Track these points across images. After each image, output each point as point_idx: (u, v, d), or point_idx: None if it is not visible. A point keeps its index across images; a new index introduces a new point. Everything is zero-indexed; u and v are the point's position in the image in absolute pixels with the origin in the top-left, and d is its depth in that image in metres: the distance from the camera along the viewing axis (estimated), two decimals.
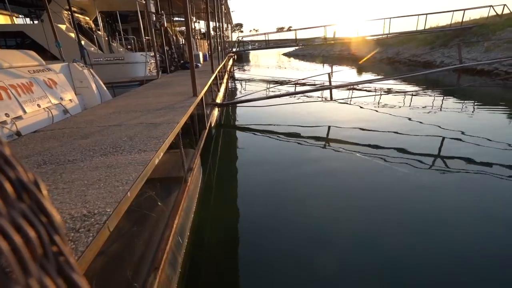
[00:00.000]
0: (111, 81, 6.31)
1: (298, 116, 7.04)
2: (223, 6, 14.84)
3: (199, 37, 16.25)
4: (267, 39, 26.18)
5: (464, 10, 17.99)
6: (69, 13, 6.99)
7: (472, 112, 7.41)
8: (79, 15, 8.78)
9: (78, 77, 4.83)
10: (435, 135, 5.57)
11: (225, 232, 3.01)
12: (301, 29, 24.12)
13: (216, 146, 5.64)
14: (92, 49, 7.67)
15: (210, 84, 5.75)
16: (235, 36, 40.29)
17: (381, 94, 9.14)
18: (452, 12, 18.71)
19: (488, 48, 14.13)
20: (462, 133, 5.57)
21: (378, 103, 8.35)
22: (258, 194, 3.62)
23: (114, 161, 1.74)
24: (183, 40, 10.19)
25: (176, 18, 19.24)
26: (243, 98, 7.00)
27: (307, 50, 38.10)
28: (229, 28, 31.05)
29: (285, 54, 43.58)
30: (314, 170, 4.23)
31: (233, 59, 23.55)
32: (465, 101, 8.44)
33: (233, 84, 14.92)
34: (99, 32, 8.76)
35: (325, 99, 7.65)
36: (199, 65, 9.11)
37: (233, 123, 7.33)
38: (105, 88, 5.21)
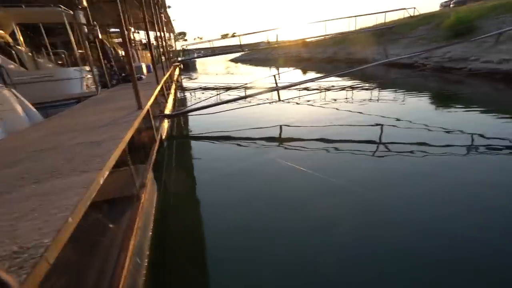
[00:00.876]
0: (42, 101, 5.67)
1: (250, 119, 7.14)
2: (162, 15, 14.43)
3: (140, 48, 15.52)
4: (212, 46, 26.17)
5: (385, 12, 20.53)
6: None
7: (403, 100, 8.34)
8: None
9: None
10: (377, 123, 6.12)
11: (188, 247, 2.90)
12: (245, 34, 24.61)
13: (170, 158, 5.42)
14: (12, 66, 6.79)
15: (156, 95, 5.53)
16: (179, 45, 39.43)
17: (325, 91, 9.77)
18: (375, 15, 21.09)
19: (407, 44, 16.13)
20: (397, 119, 6.22)
21: (324, 99, 8.91)
22: (217, 202, 3.56)
23: (50, 188, 1.56)
24: (123, 52, 9.65)
25: (113, 30, 18.14)
26: (193, 107, 6.86)
27: (253, 54, 38.95)
28: (172, 37, 30.27)
29: (232, 60, 43.95)
30: (271, 171, 4.32)
31: (180, 69, 23.00)
32: (397, 91, 9.47)
33: (182, 93, 14.56)
34: (20, 48, 7.81)
35: (274, 100, 7.90)
36: (143, 77, 8.71)
37: (186, 133, 7.14)
38: (34, 110, 4.65)
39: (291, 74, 16.18)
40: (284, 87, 7.30)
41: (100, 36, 7.44)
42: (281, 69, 22.21)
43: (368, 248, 2.54)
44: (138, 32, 19.41)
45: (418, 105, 7.71)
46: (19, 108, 4.32)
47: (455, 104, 7.37)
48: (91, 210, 1.56)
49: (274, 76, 6.41)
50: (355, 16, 21.18)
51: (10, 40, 8.20)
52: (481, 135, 4.88)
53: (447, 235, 2.60)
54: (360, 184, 3.62)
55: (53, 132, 2.95)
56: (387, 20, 21.23)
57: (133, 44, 13.96)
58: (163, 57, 13.42)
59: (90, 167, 1.79)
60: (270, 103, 8.28)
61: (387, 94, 9.27)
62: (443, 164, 4.02)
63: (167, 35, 20.74)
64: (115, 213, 2.36)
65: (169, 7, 15.65)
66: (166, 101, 7.08)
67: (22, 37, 8.37)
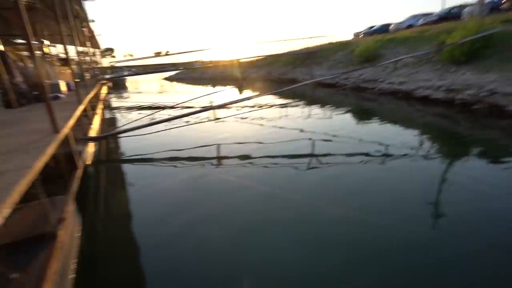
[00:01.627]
0: None
1: (186, 139, 6.94)
2: (85, 29, 13.25)
3: (58, 64, 13.83)
4: (145, 64, 25.02)
5: (310, 38, 23.02)
6: None
7: (330, 116, 9.26)
8: None
9: None
10: (309, 138, 6.61)
11: (121, 283, 2.57)
12: (179, 53, 24.33)
13: (97, 186, 4.83)
14: None
15: (79, 116, 4.94)
16: (106, 62, 36.50)
17: (260, 109, 10.20)
18: (302, 39, 23.42)
19: (330, 66, 18.22)
20: (326, 133, 6.84)
21: (259, 117, 9.27)
22: (151, 234, 3.24)
23: None
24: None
25: (21, 41, 15.83)
26: (123, 128, 6.32)
27: (189, 73, 38.54)
28: (98, 53, 27.92)
29: (166, 79, 42.60)
30: (211, 191, 4.22)
31: (108, 87, 21.21)
32: (324, 108, 10.49)
33: (111, 114, 13.36)
34: None
35: (210, 119, 7.88)
36: (61, 96, 7.73)
37: (116, 157, 6.51)
38: None
39: (227, 93, 16.48)
40: (220, 106, 7.35)
41: (2, 48, 6.39)
42: (217, 88, 22.46)
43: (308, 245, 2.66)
44: (55, 46, 17.33)
45: (342, 119, 8.67)
46: None
47: (371, 118, 8.52)
48: None
49: (210, 94, 6.42)
50: (285, 40, 23.16)
51: None
52: (392, 145, 5.71)
53: (375, 231, 2.91)
54: (297, 193, 3.82)
55: None
56: (312, 45, 23.76)
57: (48, 59, 12.39)
58: (87, 74, 12.19)
59: None
60: (207, 121, 8.21)
61: (316, 110, 10.19)
62: (363, 170, 4.57)
63: (91, 50, 19.05)
64: (23, 258, 1.95)
65: (92, 21, 14.47)
66: (91, 123, 6.39)
67: None
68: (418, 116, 8.68)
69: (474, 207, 3.35)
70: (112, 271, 2.78)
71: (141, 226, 3.42)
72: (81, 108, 5.38)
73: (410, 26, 20.91)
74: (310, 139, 6.56)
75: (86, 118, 6.55)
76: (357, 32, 29.16)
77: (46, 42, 13.71)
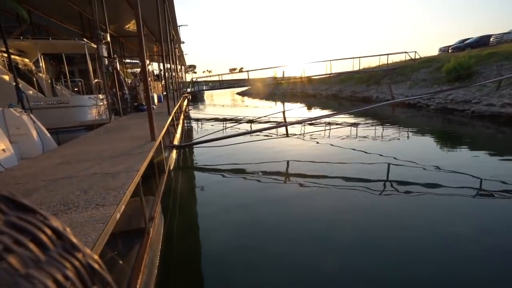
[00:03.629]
0: (56, 126, 5.82)
1: (256, 154, 7.18)
2: (176, 50, 15.25)
3: (152, 79, 16.19)
4: (220, 79, 27.22)
5: (388, 54, 21.55)
6: (3, 54, 6.50)
7: (408, 138, 8.42)
8: (17, 57, 8.19)
9: (13, 123, 4.36)
10: (383, 161, 6.11)
11: (192, 285, 2.78)
12: (252, 70, 25.71)
13: (176, 190, 5.39)
14: (31, 92, 7.10)
15: (168, 126, 5.66)
16: (189, 77, 41.08)
17: (331, 128, 9.92)
18: (379, 56, 22.09)
19: (411, 85, 16.65)
20: (403, 158, 6.21)
21: (329, 136, 9.01)
22: (222, 238, 3.48)
23: (67, 221, 1.55)
24: (136, 82, 10.07)
25: (128, 60, 19.12)
26: (201, 139, 6.97)
27: (260, 89, 40.25)
28: (183, 69, 31.68)
29: (238, 93, 45.39)
30: (278, 206, 4.26)
31: (188, 99, 23.73)
32: (401, 129, 9.58)
33: (189, 124, 14.85)
34: (40, 75, 8.22)
35: (282, 135, 8.01)
36: (154, 107, 8.98)
37: (192, 164, 7.17)
38: (48, 135, 4.76)
39: (297, 110, 16.55)
40: (292, 123, 7.44)
41: (118, 67, 7.82)
42: (287, 105, 22.78)
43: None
44: (151, 64, 20.41)
45: (423, 144, 7.76)
46: (34, 133, 4.43)
47: (460, 145, 7.40)
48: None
49: (283, 112, 6.58)
50: (359, 57, 22.19)
51: (33, 67, 8.66)
52: (486, 179, 4.83)
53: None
54: (365, 223, 3.54)
55: (67, 160, 2.99)
56: (389, 61, 22.17)
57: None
58: (174, 88, 13.94)
59: (106, 201, 1.80)
60: (277, 137, 8.38)
61: (392, 132, 9.39)
62: (447, 206, 3.96)
63: (178, 67, 21.73)
64: (124, 248, 2.30)
65: (183, 42, 16.58)
66: (176, 132, 7.22)
67: (45, 65, 8.84)
68: None
69: None
70: (185, 264, 3.05)
71: (211, 229, 3.68)
72: (169, 119, 6.15)
73: None
74: (384, 162, 6.06)
75: (172, 127, 7.45)
76: (443, 47, 26.07)
77: (147, 61, 16.28)
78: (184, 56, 22.93)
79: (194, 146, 7.98)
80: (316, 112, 16.92)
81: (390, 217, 3.79)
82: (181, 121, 9.97)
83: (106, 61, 6.15)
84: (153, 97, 9.18)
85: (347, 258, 2.97)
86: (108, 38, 6.08)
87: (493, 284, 2.50)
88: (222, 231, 3.62)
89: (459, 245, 3.08)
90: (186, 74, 40.95)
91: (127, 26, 11.96)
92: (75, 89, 10.21)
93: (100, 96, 7.61)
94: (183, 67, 28.46)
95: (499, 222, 3.55)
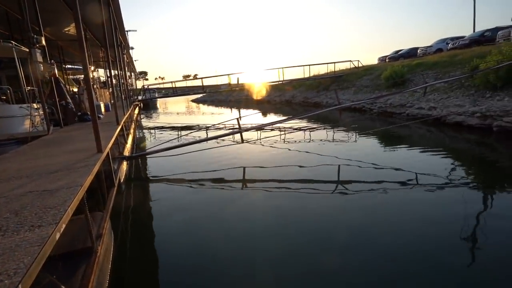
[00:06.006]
0: None
1: (212, 161, 7.09)
2: (125, 56, 14.44)
3: (99, 86, 15.05)
4: (174, 86, 26.46)
5: (335, 62, 23.33)
6: None
7: (356, 140, 9.12)
8: None
9: None
10: (333, 163, 6.52)
11: None
12: (207, 77, 25.52)
13: (128, 204, 5.05)
14: None
15: (116, 136, 5.30)
16: (140, 84, 39.11)
17: (285, 133, 10.27)
18: (327, 64, 23.74)
19: (355, 91, 18.14)
20: (351, 159, 6.71)
21: (284, 141, 9.33)
22: (178, 252, 3.34)
23: None
24: (81, 90, 9.25)
25: (69, 66, 17.52)
26: (154, 149, 6.65)
27: (215, 96, 40.03)
28: (133, 76, 30.05)
29: (193, 101, 44.52)
30: (236, 215, 4.26)
31: (139, 107, 22.55)
32: (349, 132, 10.35)
33: (141, 133, 14.10)
34: None
35: (237, 142, 8.05)
36: (101, 116, 8.34)
37: (146, 176, 6.80)
38: None
39: (252, 116, 16.82)
40: (247, 129, 7.53)
41: (56, 74, 7.12)
42: (242, 111, 23.00)
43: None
44: (97, 71, 18.99)
45: (368, 145, 8.48)
46: None
47: (398, 144, 8.26)
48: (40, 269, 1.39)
49: (237, 118, 6.63)
50: (309, 65, 23.54)
51: None
52: (421, 173, 5.46)
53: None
54: (319, 220, 3.75)
55: None
56: (336, 69, 23.95)
57: (92, 83, 13.55)
58: (123, 96, 13.13)
59: (43, 221, 1.62)
60: (233, 144, 8.40)
61: (341, 135, 10.09)
62: (390, 199, 4.39)
63: (128, 74, 20.57)
64: (66, 271, 2.09)
65: (132, 48, 15.78)
66: (126, 142, 6.79)
67: None
68: (451, 142, 8.30)
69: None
70: (139, 275, 2.88)
71: (166, 244, 3.53)
72: (118, 128, 5.77)
73: (439, 50, 20.49)
74: (335, 164, 6.47)
75: (121, 137, 6.99)
76: (382, 57, 29.02)
77: (91, 67, 15.09)
78: (134, 62, 21.78)
79: (147, 156, 7.59)
80: (271, 117, 17.39)
81: (342, 214, 4.06)
82: (132, 131, 9.42)
83: (42, 67, 5.55)
84: (99, 105, 8.54)
85: (306, 258, 3.08)
86: (43, 42, 5.50)
87: (431, 264, 2.82)
88: (178, 246, 3.49)
89: (401, 233, 3.43)
90: (137, 81, 38.91)
91: (66, 29, 10.96)
92: (3, 98, 9.01)
93: (35, 106, 6.82)
94: (133, 73, 26.99)
95: (435, 209, 4.03)
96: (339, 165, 6.35)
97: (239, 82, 26.61)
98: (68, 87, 9.82)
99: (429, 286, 2.56)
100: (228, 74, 23.98)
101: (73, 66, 19.30)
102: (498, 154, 6.90)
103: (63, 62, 13.20)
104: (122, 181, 5.29)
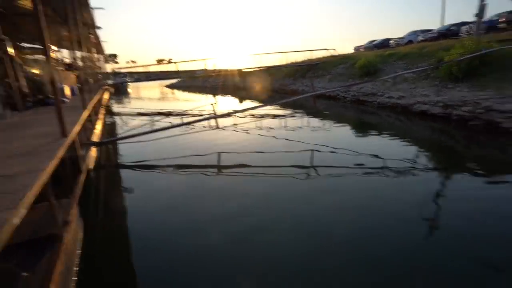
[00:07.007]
0: None
1: (186, 147, 7.00)
2: (91, 35, 13.49)
3: (63, 68, 14.01)
4: (147, 71, 25.35)
5: (311, 50, 23.50)
6: None
7: (329, 128, 9.39)
8: None
9: None
10: (307, 149, 6.70)
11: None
12: (182, 61, 24.69)
13: (98, 191, 4.89)
14: None
15: (84, 121, 5.03)
16: (110, 68, 36.95)
17: (262, 119, 10.33)
18: (303, 52, 23.88)
19: (330, 79, 18.49)
20: (325, 145, 6.93)
21: (260, 127, 9.38)
22: (151, 239, 3.32)
23: None
24: (39, 71, 8.55)
25: (28, 45, 16.08)
26: (125, 134, 6.42)
27: (191, 81, 38.97)
28: (102, 59, 28.28)
29: (168, 86, 43.00)
30: (211, 201, 4.27)
31: (110, 92, 21.41)
32: (324, 120, 10.62)
33: (112, 119, 13.48)
34: None
35: (213, 128, 7.98)
36: (66, 100, 7.83)
37: (117, 162, 6.58)
38: None
39: (228, 102, 16.65)
40: (222, 115, 7.47)
41: (9, 52, 6.52)
42: (218, 98, 22.67)
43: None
44: (60, 51, 17.59)
45: (341, 131, 8.79)
46: None
47: (369, 131, 8.63)
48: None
49: (212, 104, 6.55)
50: (286, 52, 23.57)
51: None
52: (389, 158, 5.79)
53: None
54: (293, 203, 3.88)
55: None
56: (314, 57, 24.17)
57: (53, 64, 12.57)
58: (91, 80, 12.36)
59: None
60: (208, 130, 8.31)
61: (316, 122, 10.33)
62: (359, 182, 4.64)
63: (96, 56, 19.32)
64: (30, 259, 2.01)
65: (99, 28, 14.74)
66: (94, 128, 6.47)
67: None
68: (416, 130, 8.82)
69: (467, 222, 3.42)
70: (111, 273, 2.84)
71: (139, 231, 3.49)
72: (86, 113, 5.47)
73: (410, 42, 21.31)
74: (309, 150, 6.65)
75: (89, 122, 6.64)
76: (357, 46, 29.66)
77: (53, 47, 13.94)
78: (102, 43, 20.42)
79: (118, 142, 7.32)
80: (247, 104, 17.34)
81: (315, 199, 4.21)
82: (101, 116, 8.97)
83: None
84: (62, 88, 8.00)
85: (283, 245, 3.18)
86: None
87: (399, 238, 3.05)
88: (150, 232, 3.47)
89: (373, 216, 3.65)
90: (106, 64, 36.70)
91: (19, 0, 9.92)
92: None
93: None
94: (101, 56, 25.39)
95: (400, 190, 4.32)
96: (312, 151, 6.53)
97: (216, 68, 26.05)
98: (26, 68, 9.02)
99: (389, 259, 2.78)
100: (204, 59, 23.37)
101: (33, 45, 17.73)
102: (456, 141, 7.45)
103: (19, 40, 12.08)
104: (91, 167, 5.08)
